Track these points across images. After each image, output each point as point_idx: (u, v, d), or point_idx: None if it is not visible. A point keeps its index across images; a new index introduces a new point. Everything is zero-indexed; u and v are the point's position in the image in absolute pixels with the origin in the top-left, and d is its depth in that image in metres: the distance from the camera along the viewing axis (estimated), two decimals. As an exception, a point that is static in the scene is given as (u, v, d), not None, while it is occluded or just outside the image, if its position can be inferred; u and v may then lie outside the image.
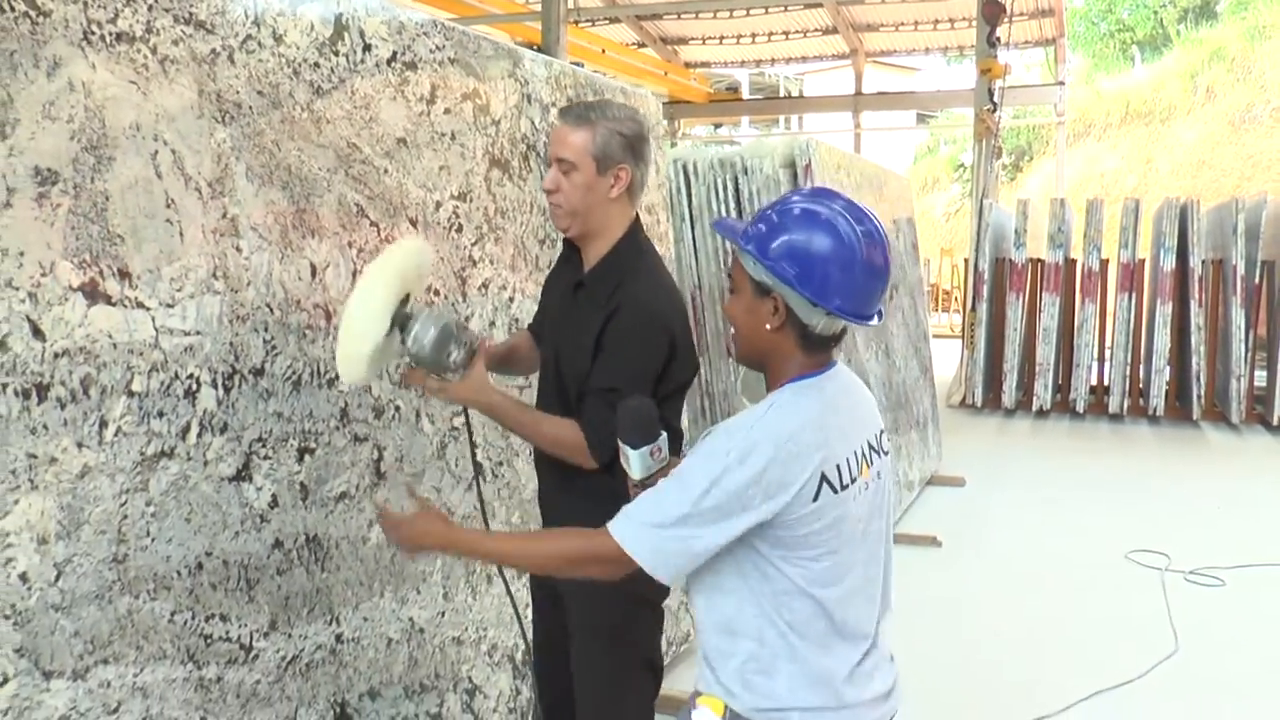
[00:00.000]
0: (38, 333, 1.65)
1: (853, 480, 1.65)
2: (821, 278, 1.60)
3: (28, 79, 1.66)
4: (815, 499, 1.59)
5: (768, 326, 1.65)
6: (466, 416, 2.20)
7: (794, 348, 1.66)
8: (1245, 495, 6.44)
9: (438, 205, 2.59)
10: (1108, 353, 8.93)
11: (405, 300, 1.98)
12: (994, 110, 9.98)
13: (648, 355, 2.07)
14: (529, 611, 2.40)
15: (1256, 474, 7.02)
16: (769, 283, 1.62)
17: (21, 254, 1.63)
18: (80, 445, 1.72)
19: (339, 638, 2.24)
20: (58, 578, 1.68)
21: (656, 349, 2.08)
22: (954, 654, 3.98)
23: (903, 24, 17.92)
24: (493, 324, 2.78)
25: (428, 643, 2.51)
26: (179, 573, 1.89)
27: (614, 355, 2.06)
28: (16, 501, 1.61)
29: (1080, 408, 8.82)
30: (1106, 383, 8.90)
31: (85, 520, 1.72)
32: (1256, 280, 8.17)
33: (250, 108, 2.07)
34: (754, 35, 18.42)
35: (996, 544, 5.51)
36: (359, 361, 1.94)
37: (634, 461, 1.82)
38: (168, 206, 1.88)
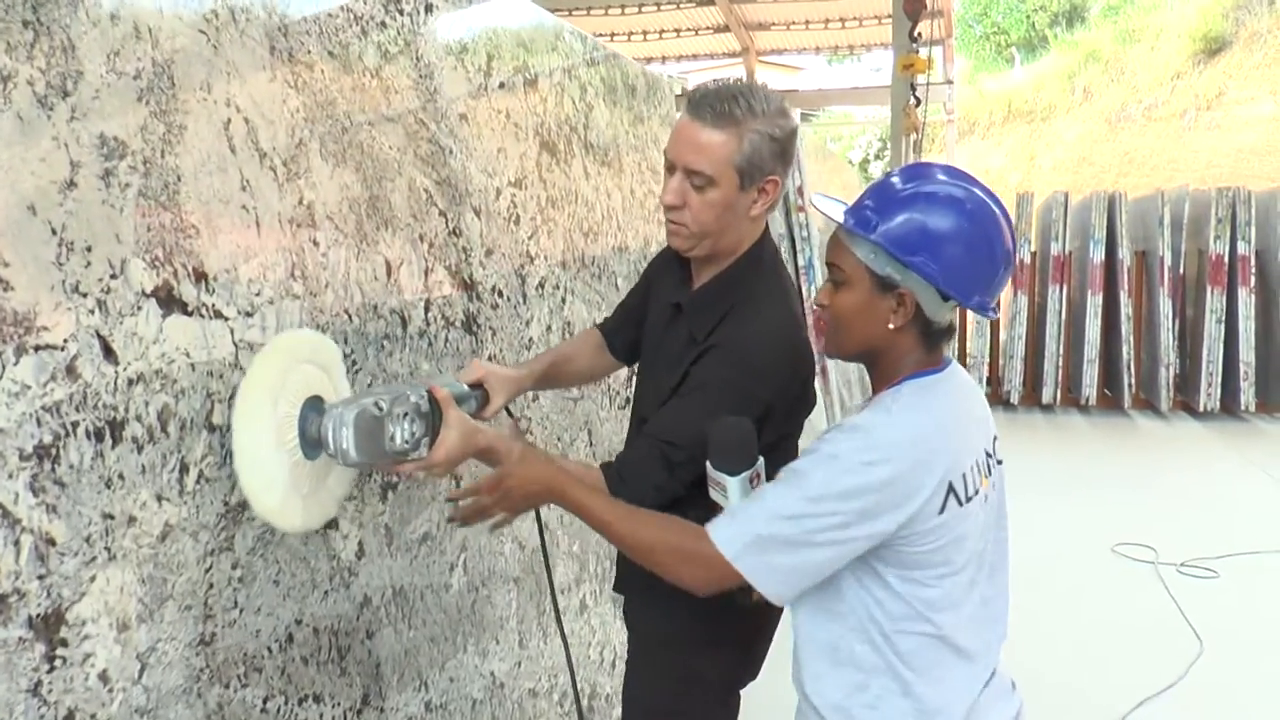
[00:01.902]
0: (109, 353, 1.25)
1: (976, 492, 1.44)
2: (965, 271, 1.38)
3: (89, 19, 1.26)
4: (941, 511, 1.38)
5: (890, 325, 1.42)
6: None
7: (914, 345, 1.45)
8: (1197, 483, 6.51)
9: (498, 193, 2.23)
10: (1038, 345, 9.02)
11: (319, 405, 1.51)
12: (918, 105, 9.99)
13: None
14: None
15: (1201, 462, 7.13)
16: (896, 277, 1.39)
17: (88, 249, 1.24)
18: (160, 498, 1.32)
19: (428, 705, 1.87)
20: (142, 672, 1.28)
21: (744, 412, 1.58)
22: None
23: (794, 23, 18.01)
24: (549, 329, 2.44)
25: (507, 699, 2.16)
26: (270, 649, 1.50)
27: (688, 405, 1.63)
28: (93, 578, 1.22)
29: (1014, 400, 8.88)
30: (1038, 374, 8.99)
31: (169, 594, 1.33)
32: (1181, 271, 8.36)
33: (322, 71, 1.69)
34: (645, 33, 18.22)
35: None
36: (288, 514, 1.47)
37: (732, 491, 1.52)
38: (243, 189, 1.50)
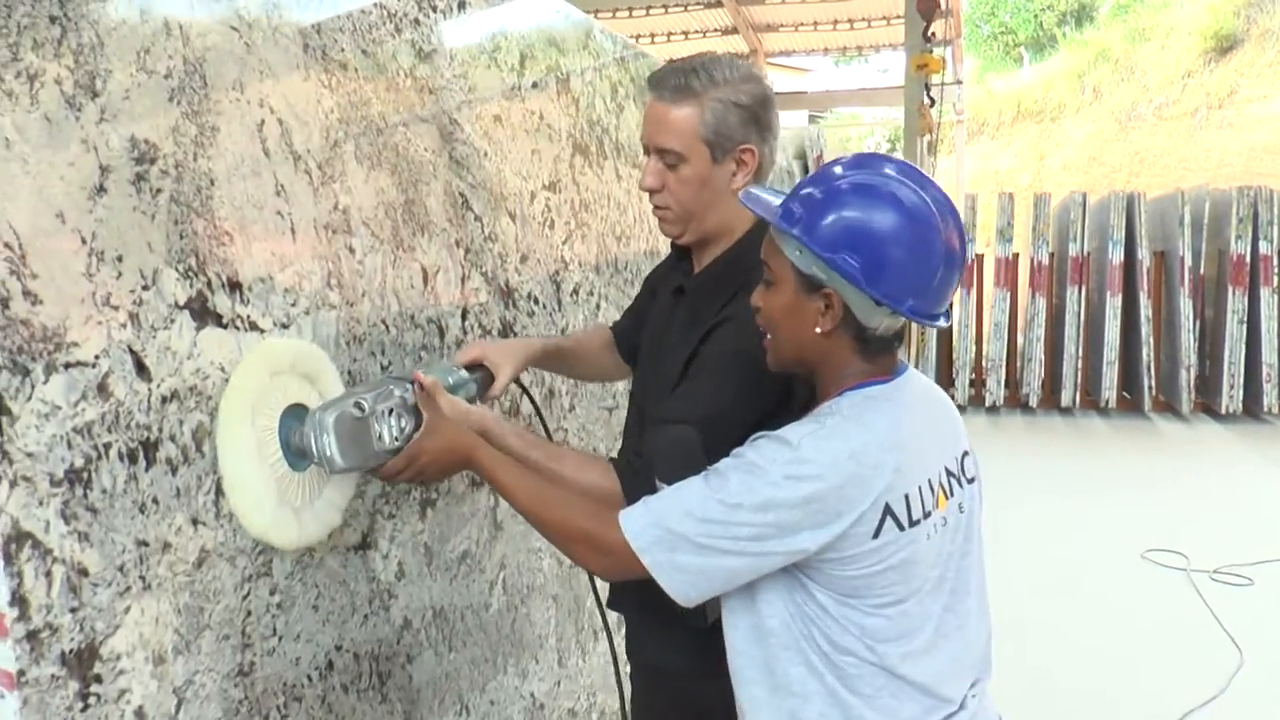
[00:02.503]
0: (141, 369, 1.18)
1: (925, 515, 1.29)
2: (893, 272, 1.24)
3: (117, 14, 1.19)
4: (876, 535, 1.25)
5: (817, 329, 1.29)
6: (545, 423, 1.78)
7: (849, 353, 1.31)
8: (1224, 487, 6.41)
9: (532, 197, 2.16)
10: (1056, 346, 8.92)
11: (300, 413, 1.41)
12: (932, 105, 9.90)
13: (748, 393, 1.49)
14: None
15: (1224, 465, 7.03)
16: (821, 277, 1.27)
17: (119, 258, 1.16)
18: (195, 522, 1.25)
19: (467, 733, 1.79)
20: (179, 707, 1.21)
21: (763, 387, 1.49)
22: (1009, 673, 3.71)
23: (802, 24, 17.93)
24: (582, 336, 2.36)
25: (547, 719, 2.08)
26: (309, 677, 1.42)
27: (701, 384, 1.53)
28: (127, 609, 1.14)
29: (1033, 402, 8.79)
30: (1056, 377, 8.90)
31: (206, 624, 1.25)
32: (1201, 271, 8.26)
33: (356, 70, 1.62)
34: (653, 35, 18.17)
35: (994, 551, 5.30)
36: (282, 530, 1.36)
37: None
38: (277, 194, 1.42)
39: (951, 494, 1.35)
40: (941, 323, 1.30)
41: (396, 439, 1.41)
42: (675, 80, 1.56)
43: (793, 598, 1.30)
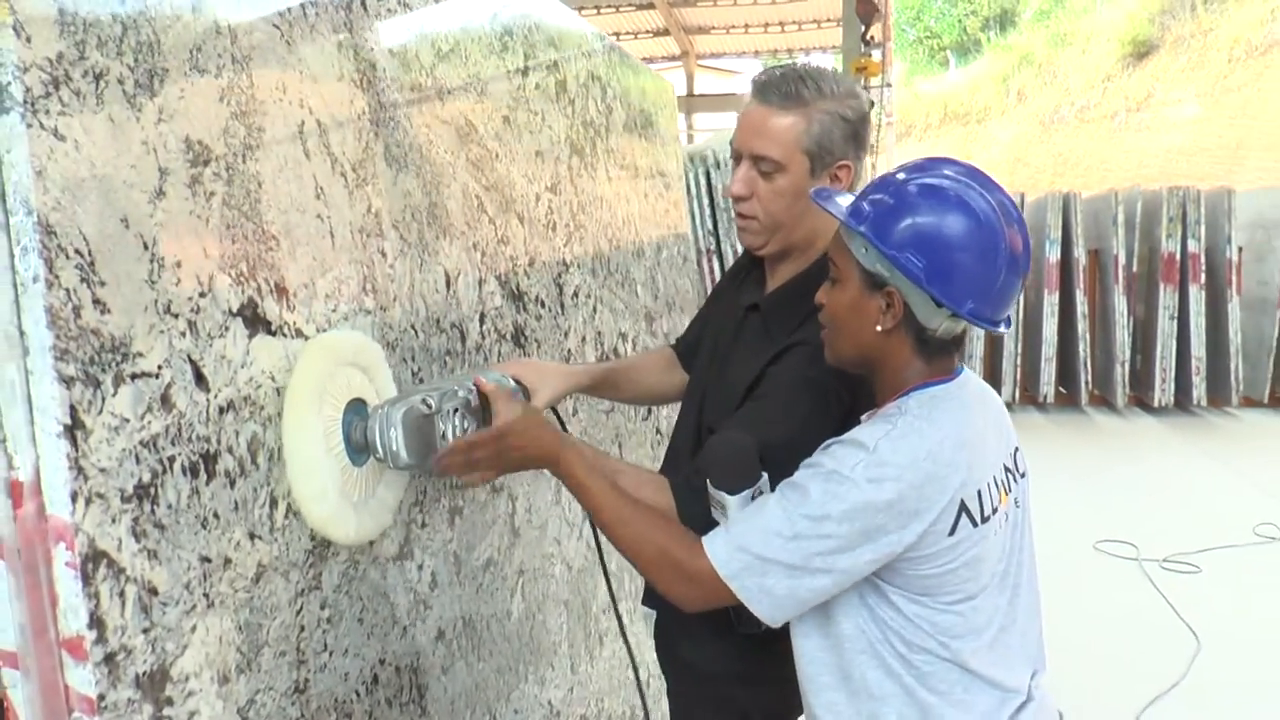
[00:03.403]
0: (200, 379, 1.14)
1: (993, 511, 1.32)
2: (956, 273, 1.26)
3: (173, 12, 1.15)
4: (952, 532, 1.27)
5: (878, 328, 1.31)
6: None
7: (908, 353, 1.33)
8: (1162, 477, 6.62)
9: (536, 199, 2.14)
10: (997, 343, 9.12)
11: (361, 408, 1.39)
12: (871, 107, 10.05)
13: (813, 423, 1.46)
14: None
15: (1160, 456, 7.26)
16: (885, 275, 1.29)
17: (178, 264, 1.12)
18: (253, 536, 1.21)
19: (495, 744, 1.77)
20: (242, 729, 1.17)
21: (828, 417, 1.47)
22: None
23: (733, 27, 18.07)
24: (583, 339, 2.35)
25: (561, 730, 2.06)
26: (357, 692, 1.39)
27: (767, 406, 1.50)
28: (193, 628, 1.10)
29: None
30: (996, 372, 9.10)
31: (265, 641, 1.22)
32: (1134, 269, 8.52)
33: (384, 70, 1.59)
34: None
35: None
36: (340, 523, 1.33)
37: (732, 511, 1.43)
38: (317, 197, 1.39)
39: (1009, 489, 1.37)
40: (1002, 329, 1.31)
41: (459, 439, 1.39)
42: (785, 87, 1.52)
43: (865, 601, 1.31)
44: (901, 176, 1.32)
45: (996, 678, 1.34)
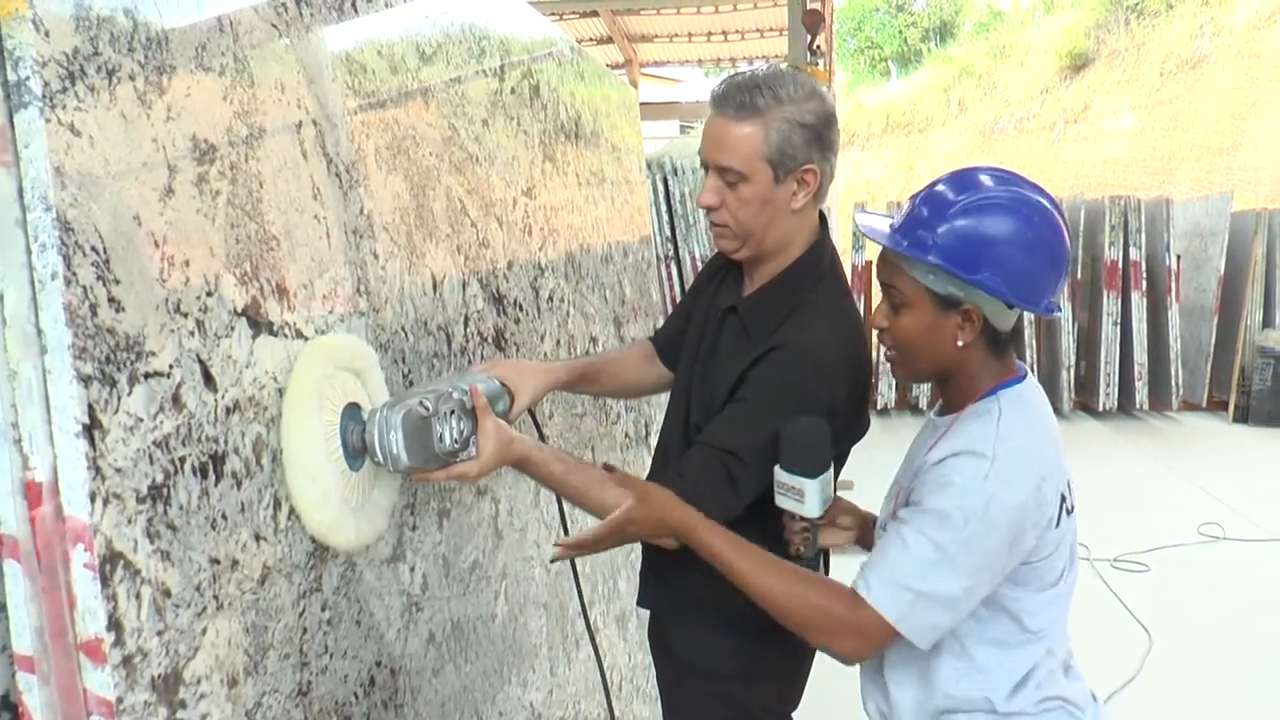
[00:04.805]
0: (209, 379, 1.13)
1: (1073, 501, 1.42)
2: (1032, 278, 1.33)
3: (178, 7, 1.14)
4: (1058, 523, 1.36)
5: (959, 343, 1.37)
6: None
7: (984, 356, 1.40)
8: (1108, 479, 6.77)
9: (514, 203, 2.14)
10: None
11: (355, 412, 1.38)
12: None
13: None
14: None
15: (1105, 459, 7.43)
16: (959, 295, 1.34)
17: (187, 264, 1.11)
18: (258, 538, 1.20)
19: (484, 746, 1.77)
20: (249, 731, 1.16)
21: (804, 415, 1.50)
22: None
23: (676, 36, 18.17)
24: (558, 343, 2.36)
25: (543, 733, 2.07)
26: (356, 695, 1.39)
27: (748, 410, 1.53)
28: (204, 630, 1.09)
29: (922, 404, 9.09)
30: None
31: (270, 643, 1.21)
32: (1078, 275, 8.73)
33: (374, 72, 1.59)
34: (531, 43, 18.12)
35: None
36: (341, 528, 1.32)
37: (811, 495, 1.48)
38: (314, 198, 1.38)
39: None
40: (1057, 312, 1.39)
41: (455, 441, 1.40)
42: (739, 97, 1.53)
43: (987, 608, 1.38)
44: (949, 195, 1.35)
45: (1066, 659, 1.48)
